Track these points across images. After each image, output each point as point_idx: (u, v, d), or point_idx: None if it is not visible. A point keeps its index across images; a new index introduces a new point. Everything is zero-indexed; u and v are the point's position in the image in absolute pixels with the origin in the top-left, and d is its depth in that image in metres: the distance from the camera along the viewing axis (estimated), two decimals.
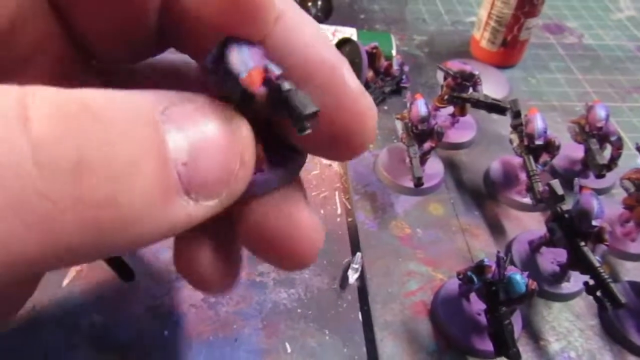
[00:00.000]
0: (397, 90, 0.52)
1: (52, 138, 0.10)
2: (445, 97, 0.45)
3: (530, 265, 0.38)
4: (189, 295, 0.35)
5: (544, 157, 0.41)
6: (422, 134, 0.40)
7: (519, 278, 0.30)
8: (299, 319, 0.35)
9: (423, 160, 0.41)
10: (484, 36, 0.57)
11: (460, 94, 0.44)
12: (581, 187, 0.34)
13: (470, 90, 0.44)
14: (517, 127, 0.41)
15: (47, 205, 0.10)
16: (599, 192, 0.45)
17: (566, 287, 0.37)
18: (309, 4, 0.60)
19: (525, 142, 0.40)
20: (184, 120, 0.13)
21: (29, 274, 0.11)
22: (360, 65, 0.46)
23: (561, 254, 0.38)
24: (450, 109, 0.47)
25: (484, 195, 0.44)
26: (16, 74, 0.16)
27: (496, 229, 0.42)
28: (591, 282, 0.33)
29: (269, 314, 0.35)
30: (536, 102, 0.55)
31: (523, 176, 0.43)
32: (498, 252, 0.31)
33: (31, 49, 0.16)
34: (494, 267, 0.31)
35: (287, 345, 0.34)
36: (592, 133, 0.42)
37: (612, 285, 0.32)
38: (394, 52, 0.55)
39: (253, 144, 0.14)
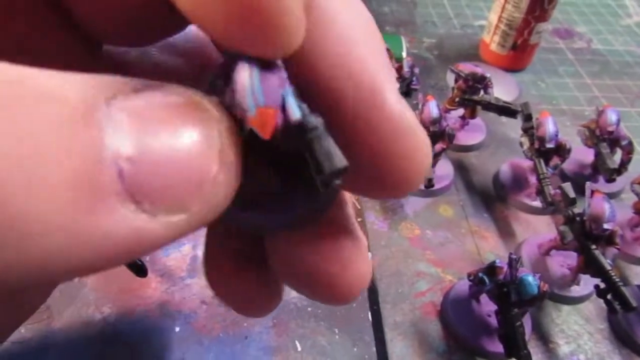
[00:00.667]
0: (407, 92, 0.52)
1: None
2: (457, 99, 0.45)
3: (539, 268, 0.38)
4: (199, 292, 0.36)
5: (555, 161, 0.41)
6: (433, 135, 0.40)
7: (531, 279, 0.30)
8: (309, 318, 0.35)
9: (434, 161, 0.41)
10: (494, 39, 0.57)
11: (472, 96, 0.44)
12: (593, 191, 0.34)
13: (482, 92, 0.45)
14: (528, 130, 0.42)
15: None
16: (609, 196, 0.45)
17: (575, 290, 0.37)
18: None
19: (536, 145, 0.40)
20: (140, 109, 0.09)
21: None
22: None
23: (571, 257, 0.38)
24: (460, 111, 0.47)
25: (493, 198, 0.44)
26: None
27: (505, 231, 0.42)
28: (602, 285, 0.33)
29: (279, 313, 0.35)
30: (546, 105, 0.55)
31: (533, 179, 0.43)
32: (511, 253, 0.31)
33: (24, 34, 0.13)
34: (505, 268, 0.31)
35: (297, 344, 0.34)
36: (603, 137, 0.42)
37: (623, 288, 0.32)
38: (404, 54, 0.55)
39: (237, 139, 0.10)
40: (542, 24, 0.55)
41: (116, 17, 0.13)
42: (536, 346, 0.35)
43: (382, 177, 0.12)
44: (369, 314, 0.35)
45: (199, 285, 0.36)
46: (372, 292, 0.37)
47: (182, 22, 0.14)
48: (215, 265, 0.16)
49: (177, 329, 0.34)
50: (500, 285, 0.31)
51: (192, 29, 0.15)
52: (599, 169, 0.43)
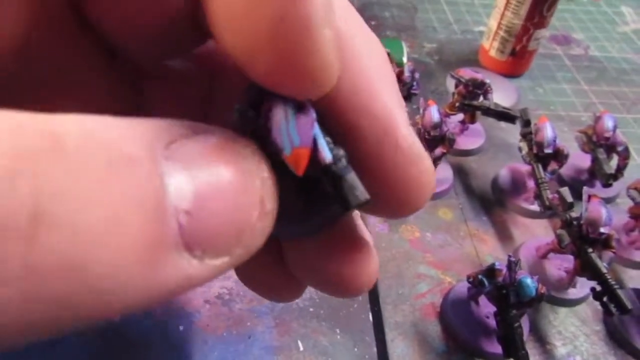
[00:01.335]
0: (408, 97, 0.53)
1: (3, 181, 0.08)
2: (457, 104, 0.45)
3: (537, 270, 0.39)
4: (202, 291, 0.36)
5: (553, 166, 0.42)
6: (434, 139, 0.41)
7: (530, 282, 0.30)
8: (311, 318, 0.36)
9: (434, 165, 0.42)
10: (493, 45, 0.58)
11: (471, 101, 0.45)
12: (590, 196, 0.35)
13: (481, 98, 0.45)
14: (526, 135, 0.42)
15: None
16: (605, 201, 0.46)
17: (572, 292, 0.38)
18: None
19: (535, 150, 0.41)
20: (192, 159, 0.10)
21: None
22: None
23: (568, 261, 0.38)
24: (460, 116, 0.48)
25: (492, 202, 0.45)
26: (40, 96, 0.14)
27: (504, 234, 0.43)
28: (598, 288, 0.34)
29: (281, 312, 0.36)
30: (543, 111, 0.55)
31: (531, 184, 0.44)
32: (509, 256, 0.31)
33: (54, 65, 0.14)
34: (504, 270, 0.32)
35: (300, 343, 0.34)
36: (600, 143, 0.43)
37: (619, 291, 0.32)
38: (404, 59, 0.55)
39: (275, 189, 0.11)
40: (540, 31, 0.56)
41: (142, 35, 0.14)
42: (534, 347, 0.35)
43: (394, 199, 0.14)
44: (370, 314, 0.36)
45: (203, 285, 0.36)
46: (373, 294, 0.37)
47: (202, 38, 0.15)
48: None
49: (181, 328, 0.34)
50: (500, 287, 0.31)
51: None
52: (595, 174, 0.44)
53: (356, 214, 0.16)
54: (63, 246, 0.08)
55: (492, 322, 0.34)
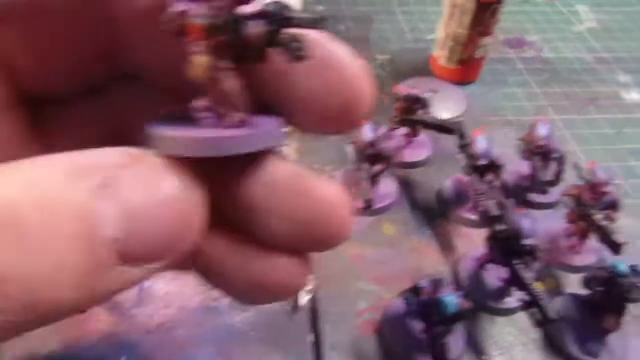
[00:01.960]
0: None
1: None
2: (396, 119, 0.46)
3: (475, 281, 0.40)
4: (145, 321, 0.37)
5: (490, 176, 0.42)
6: (371, 156, 0.42)
7: (450, 299, 0.31)
8: (252, 342, 0.37)
9: (373, 182, 0.43)
10: (443, 54, 0.59)
11: (410, 116, 0.45)
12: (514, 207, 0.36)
13: (420, 111, 0.46)
14: (463, 148, 0.43)
15: None
16: (547, 206, 0.47)
17: (509, 301, 0.39)
18: None
19: (470, 162, 0.42)
20: (121, 189, 0.12)
21: None
22: None
23: (504, 271, 0.39)
24: (405, 129, 0.49)
25: (436, 214, 0.46)
26: None
27: (447, 245, 0.43)
28: (526, 298, 0.34)
29: (223, 338, 0.37)
30: (491, 117, 0.56)
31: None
32: (434, 275, 0.32)
33: None
34: (429, 288, 0.32)
35: None
36: (536, 151, 0.44)
37: (543, 301, 0.33)
38: None
39: (205, 207, 0.13)
40: (486, 38, 0.57)
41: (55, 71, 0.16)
42: (469, 359, 0.36)
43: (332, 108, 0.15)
44: (312, 335, 0.37)
45: (144, 315, 0.37)
46: (314, 313, 0.38)
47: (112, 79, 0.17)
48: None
49: (123, 359, 0.35)
50: (423, 304, 0.32)
51: None
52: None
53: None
54: (17, 295, 0.11)
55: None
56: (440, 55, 0.59)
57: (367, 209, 0.42)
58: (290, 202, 0.15)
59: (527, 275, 0.34)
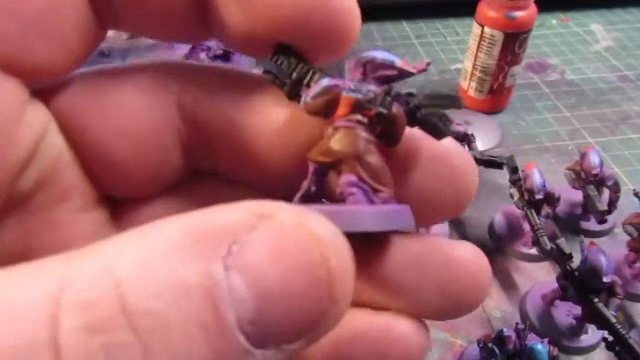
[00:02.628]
0: None
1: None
2: None
3: (546, 319, 0.39)
4: None
5: (546, 209, 0.42)
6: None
7: (541, 347, 0.30)
8: None
9: None
10: (471, 85, 0.59)
11: None
12: (586, 242, 0.35)
13: (466, 147, 0.46)
14: (515, 182, 0.43)
15: None
16: (602, 233, 0.46)
17: (585, 339, 0.37)
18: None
19: (526, 197, 0.41)
20: (252, 264, 0.10)
21: None
22: None
23: (576, 306, 0.38)
24: None
25: (490, 249, 0.45)
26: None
27: (507, 283, 0.42)
28: (609, 337, 0.33)
29: None
30: (529, 145, 0.56)
31: (527, 227, 0.44)
32: (517, 323, 0.31)
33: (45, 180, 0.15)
34: (514, 337, 0.31)
35: None
36: (589, 180, 0.43)
37: (631, 339, 0.32)
38: None
39: (350, 272, 0.11)
40: (515, 67, 0.57)
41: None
42: None
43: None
44: None
45: None
46: None
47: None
48: None
49: None
50: (512, 355, 0.31)
51: None
52: (589, 210, 0.44)
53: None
54: None
55: None
56: (468, 86, 0.59)
57: None
58: (440, 275, 0.15)
59: (608, 312, 0.33)
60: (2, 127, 0.13)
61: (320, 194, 0.15)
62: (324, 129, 0.14)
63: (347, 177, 0.14)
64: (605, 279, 0.33)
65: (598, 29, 0.76)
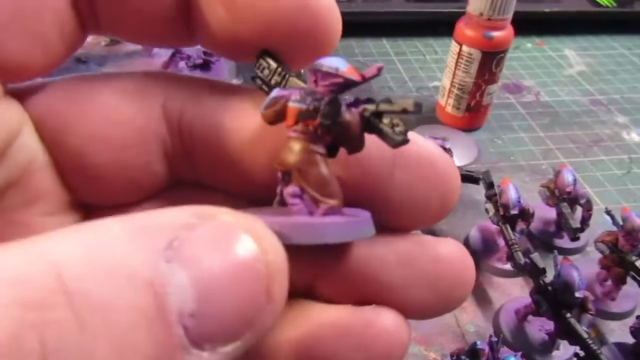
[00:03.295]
0: None
1: (10, 338, 0.09)
2: None
3: (518, 334, 0.39)
4: None
5: (521, 225, 0.42)
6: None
7: None
8: None
9: None
10: (449, 102, 0.60)
11: None
12: (561, 258, 0.35)
13: None
14: (491, 198, 0.43)
15: None
16: (575, 251, 0.47)
17: (557, 355, 0.38)
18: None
19: (501, 212, 0.42)
20: (193, 256, 0.10)
21: None
22: None
23: (549, 322, 0.38)
24: None
25: None
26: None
27: (482, 298, 0.42)
28: (581, 352, 0.33)
29: None
30: (505, 162, 0.57)
31: (501, 242, 0.44)
32: (490, 336, 0.31)
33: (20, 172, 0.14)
34: (487, 350, 0.31)
35: None
36: (562, 197, 0.44)
37: (602, 355, 0.32)
38: None
39: (285, 270, 0.12)
40: (492, 86, 0.58)
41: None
42: None
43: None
44: None
45: None
46: None
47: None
48: None
49: None
50: None
51: None
52: (562, 228, 0.45)
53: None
54: None
55: None
56: (446, 103, 0.60)
57: None
58: (429, 272, 0.15)
59: (581, 328, 0.33)
60: None
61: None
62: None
63: (291, 188, 0.14)
64: (577, 294, 0.33)
65: (571, 54, 0.78)
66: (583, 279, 0.34)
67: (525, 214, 0.42)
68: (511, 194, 0.41)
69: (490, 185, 0.43)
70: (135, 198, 0.16)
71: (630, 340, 0.37)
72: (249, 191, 0.16)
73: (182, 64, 0.64)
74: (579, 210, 0.45)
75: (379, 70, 0.14)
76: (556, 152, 0.59)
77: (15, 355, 0.08)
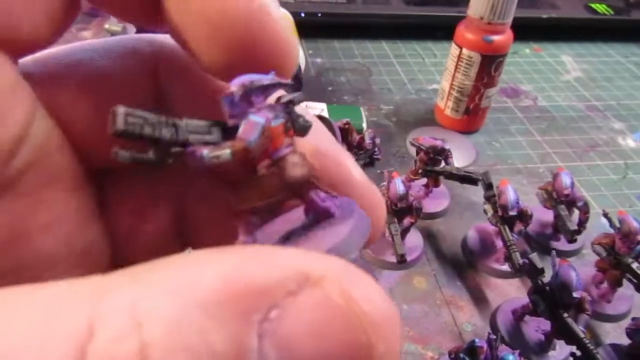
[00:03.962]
0: (371, 162, 0.54)
1: None
2: (420, 170, 0.46)
3: (515, 335, 0.39)
4: None
5: (519, 226, 0.42)
6: (401, 211, 0.41)
7: (512, 358, 0.30)
8: None
9: (403, 235, 0.42)
10: (448, 105, 0.60)
11: (433, 167, 0.45)
12: (559, 259, 0.35)
13: (442, 163, 0.46)
14: (490, 199, 0.43)
15: None
16: (571, 254, 0.47)
17: (553, 355, 0.38)
18: None
19: (500, 213, 0.42)
20: (288, 332, 0.09)
21: None
22: None
23: (545, 322, 0.39)
24: (424, 180, 0.49)
25: (464, 265, 0.45)
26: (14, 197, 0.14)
27: (479, 298, 0.43)
28: (577, 352, 0.34)
29: None
30: (502, 165, 0.57)
31: (499, 243, 0.45)
32: (489, 333, 0.31)
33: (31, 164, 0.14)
34: (485, 347, 0.31)
35: None
36: (560, 200, 0.44)
37: (599, 355, 0.33)
38: (364, 125, 0.57)
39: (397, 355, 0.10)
40: (491, 89, 0.58)
41: None
42: None
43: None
44: None
45: None
46: None
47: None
48: None
49: None
50: None
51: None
52: (559, 230, 0.45)
53: None
54: None
55: None
56: (445, 106, 0.60)
57: (402, 263, 0.41)
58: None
59: (578, 328, 0.34)
60: None
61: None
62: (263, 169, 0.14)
63: (320, 194, 0.14)
64: (575, 294, 0.33)
65: (568, 60, 0.79)
66: (580, 279, 0.34)
67: (523, 216, 0.42)
68: (510, 195, 0.42)
69: (489, 186, 0.43)
70: None
71: (625, 342, 0.37)
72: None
73: None
74: (576, 213, 0.46)
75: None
76: (553, 156, 0.60)
77: None
